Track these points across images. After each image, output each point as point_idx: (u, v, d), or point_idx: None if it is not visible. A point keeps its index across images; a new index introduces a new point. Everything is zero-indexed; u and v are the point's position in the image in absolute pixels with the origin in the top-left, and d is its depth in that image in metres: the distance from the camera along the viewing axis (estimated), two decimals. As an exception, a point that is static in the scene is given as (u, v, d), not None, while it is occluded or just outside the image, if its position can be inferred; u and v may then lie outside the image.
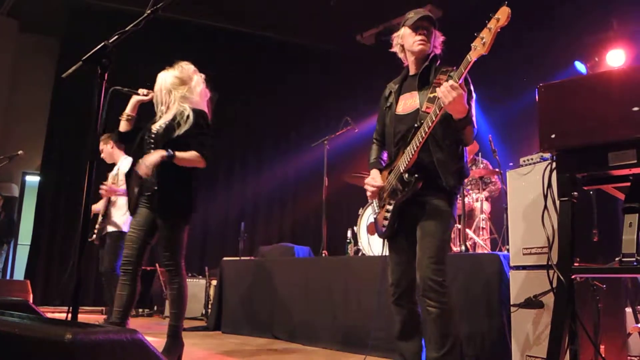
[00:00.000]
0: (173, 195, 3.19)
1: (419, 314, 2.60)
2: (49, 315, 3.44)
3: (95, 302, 7.39)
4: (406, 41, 2.64)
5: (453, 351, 2.40)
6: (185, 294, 3.32)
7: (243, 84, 8.53)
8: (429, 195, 2.49)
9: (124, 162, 5.10)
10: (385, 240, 2.72)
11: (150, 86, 3.34)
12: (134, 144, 3.37)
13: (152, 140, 3.23)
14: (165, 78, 3.31)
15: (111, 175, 5.22)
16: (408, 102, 2.62)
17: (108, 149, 5.17)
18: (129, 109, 3.34)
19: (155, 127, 3.26)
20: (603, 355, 2.34)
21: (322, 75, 8.85)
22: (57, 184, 7.99)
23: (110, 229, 4.99)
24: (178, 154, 3.11)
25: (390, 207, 2.58)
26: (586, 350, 2.18)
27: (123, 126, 3.36)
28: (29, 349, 1.11)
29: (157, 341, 3.72)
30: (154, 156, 3.08)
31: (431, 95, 2.47)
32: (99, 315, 6.46)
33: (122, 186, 4.89)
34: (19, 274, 8.50)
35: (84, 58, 1.99)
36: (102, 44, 2.01)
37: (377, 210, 2.72)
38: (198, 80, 3.37)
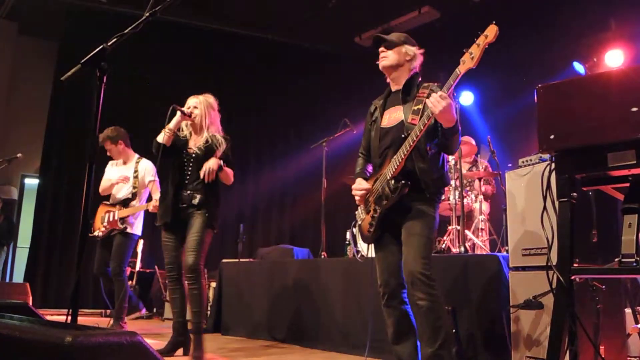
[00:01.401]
0: (209, 199, 3.61)
1: (410, 314, 2.64)
2: (49, 317, 3.43)
3: (95, 304, 7.38)
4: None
5: (446, 344, 2.48)
6: (206, 293, 3.67)
7: (241, 85, 8.53)
8: (412, 200, 2.59)
9: (146, 164, 5.05)
10: (371, 245, 2.81)
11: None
12: (165, 158, 3.67)
13: (192, 159, 3.66)
14: (207, 107, 3.74)
15: (125, 173, 5.07)
16: (392, 116, 2.75)
17: (118, 149, 5.09)
18: (172, 125, 3.62)
19: (194, 148, 3.69)
20: (603, 356, 2.34)
21: (320, 77, 8.83)
22: (56, 187, 7.95)
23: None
24: (225, 167, 3.63)
25: (375, 214, 2.67)
26: (586, 351, 2.18)
27: (164, 138, 3.60)
28: (29, 351, 1.11)
29: (156, 343, 3.72)
30: (214, 162, 3.55)
31: (415, 108, 2.61)
32: (98, 318, 6.46)
33: (145, 191, 5.06)
34: (19, 276, 8.49)
35: (83, 61, 2.00)
36: (101, 46, 2.02)
37: (362, 217, 2.80)
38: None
